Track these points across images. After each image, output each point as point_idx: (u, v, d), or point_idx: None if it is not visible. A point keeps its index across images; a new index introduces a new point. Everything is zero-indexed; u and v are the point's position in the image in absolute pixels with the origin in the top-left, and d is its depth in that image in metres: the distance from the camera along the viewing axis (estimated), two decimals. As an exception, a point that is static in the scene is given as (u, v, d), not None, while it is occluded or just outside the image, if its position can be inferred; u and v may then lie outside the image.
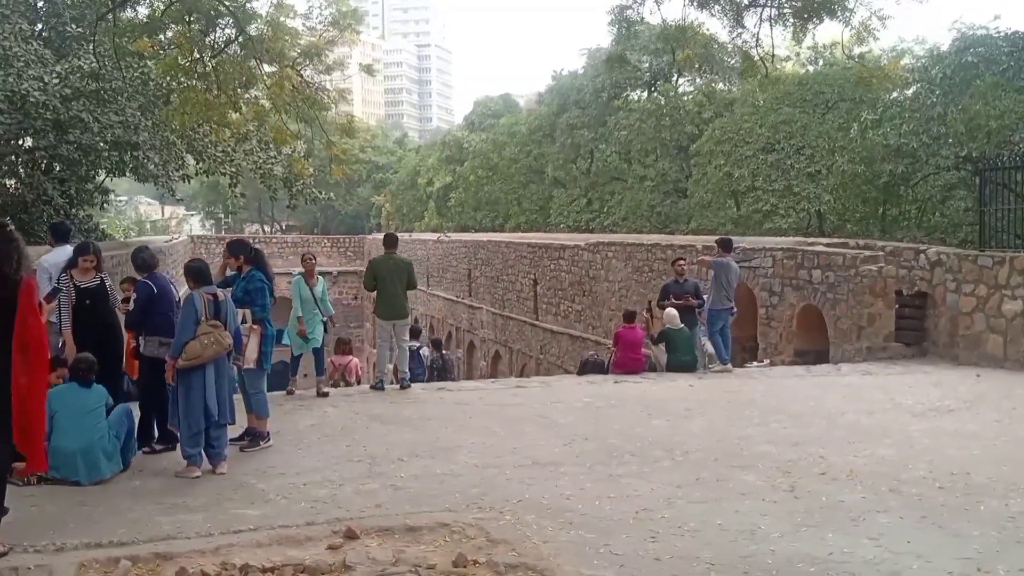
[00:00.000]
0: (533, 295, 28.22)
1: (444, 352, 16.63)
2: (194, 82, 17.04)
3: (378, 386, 11.68)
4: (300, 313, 11.06)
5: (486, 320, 32.65)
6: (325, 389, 11.30)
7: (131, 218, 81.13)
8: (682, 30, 12.77)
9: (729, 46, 14.68)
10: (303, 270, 11.44)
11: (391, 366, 12.17)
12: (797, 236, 20.74)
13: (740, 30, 12.68)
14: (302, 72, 18.35)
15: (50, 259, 9.75)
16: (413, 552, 5.72)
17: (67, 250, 9.81)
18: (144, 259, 8.61)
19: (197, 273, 7.84)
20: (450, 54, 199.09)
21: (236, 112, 19.08)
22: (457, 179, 43.36)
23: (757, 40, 12.56)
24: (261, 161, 25.41)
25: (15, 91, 19.25)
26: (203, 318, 7.55)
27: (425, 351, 15.18)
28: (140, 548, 5.77)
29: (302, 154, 26.17)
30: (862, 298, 14.06)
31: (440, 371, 15.90)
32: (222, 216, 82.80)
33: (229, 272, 9.14)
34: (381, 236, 46.00)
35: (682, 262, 13.96)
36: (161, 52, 19.89)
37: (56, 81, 20.08)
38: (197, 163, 24.30)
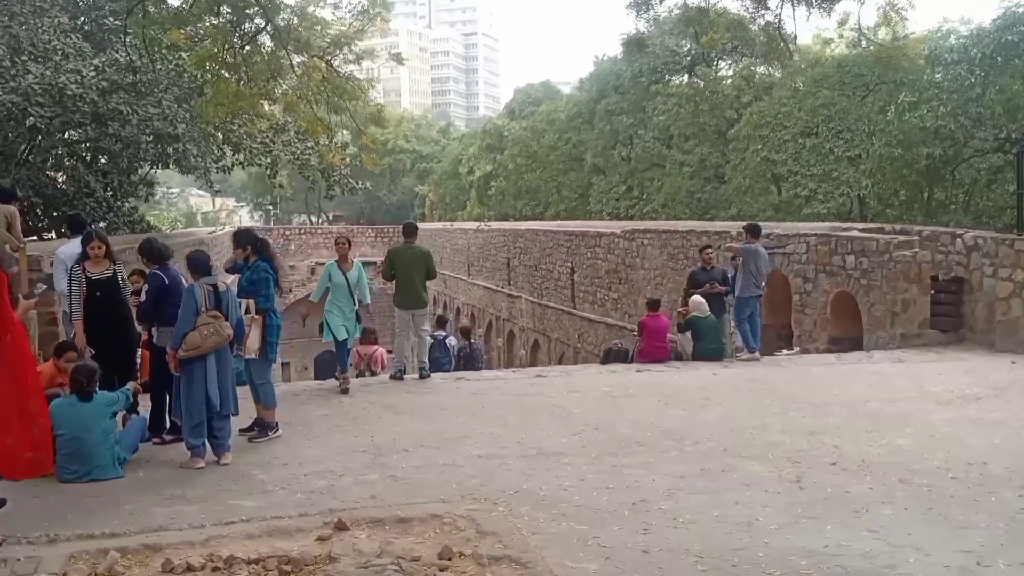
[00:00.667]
0: (570, 284, 28.04)
1: (472, 340, 16.52)
2: (225, 73, 17.17)
3: (397, 375, 11.65)
4: (316, 299, 11.29)
5: (525, 309, 32.53)
6: (347, 385, 10.84)
7: (181, 210, 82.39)
8: (703, 12, 12.53)
9: (753, 28, 14.32)
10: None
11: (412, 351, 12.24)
12: (836, 222, 20.32)
13: (763, 11, 12.43)
14: (331, 62, 18.32)
15: (66, 251, 9.86)
16: (401, 544, 5.66)
17: None
18: (153, 250, 8.63)
19: (197, 264, 7.84)
20: (497, 43, 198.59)
21: (267, 103, 19.18)
22: (497, 167, 43.22)
23: (779, 21, 12.26)
24: (299, 152, 25.58)
25: (52, 84, 19.56)
26: (203, 309, 7.55)
27: (452, 340, 15.11)
28: (131, 540, 5.79)
29: (339, 144, 26.28)
30: (896, 284, 13.69)
31: (468, 359, 15.79)
32: (271, 208, 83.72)
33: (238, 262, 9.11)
34: (429, 226, 45.66)
35: (709, 249, 13.73)
36: (195, 44, 20.06)
37: (93, 74, 20.36)
38: (234, 154, 24.50)
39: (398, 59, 19.57)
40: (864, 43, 26.02)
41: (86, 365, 7.62)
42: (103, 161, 24.17)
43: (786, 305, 16.61)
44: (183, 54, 21.41)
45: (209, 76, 19.01)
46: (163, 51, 21.38)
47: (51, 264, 10.72)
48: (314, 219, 76.53)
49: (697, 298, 12.98)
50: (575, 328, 27.36)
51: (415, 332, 11.91)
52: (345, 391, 10.59)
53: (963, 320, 13.99)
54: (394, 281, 11.83)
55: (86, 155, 24.10)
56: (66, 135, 22.47)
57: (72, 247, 9.87)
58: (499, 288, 36.07)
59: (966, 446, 7.71)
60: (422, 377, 11.64)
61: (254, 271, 8.62)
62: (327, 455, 7.75)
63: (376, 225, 62.96)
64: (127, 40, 20.88)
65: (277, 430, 8.54)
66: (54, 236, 22.63)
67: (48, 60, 20.27)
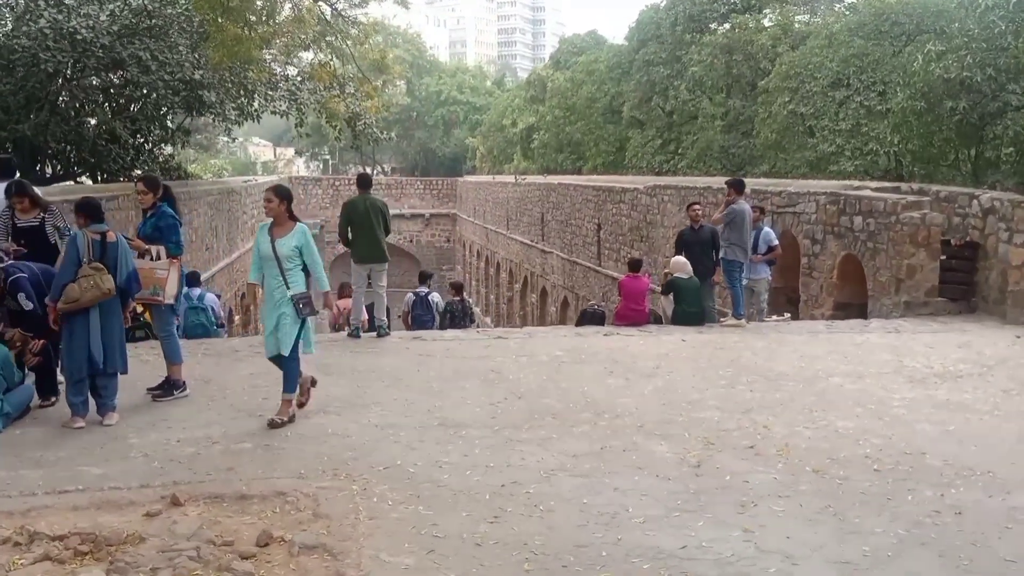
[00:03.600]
0: (597, 240, 27.26)
1: (464, 297, 15.87)
2: (220, 17, 16.67)
3: (354, 334, 11.16)
4: (253, 279, 7.68)
5: (556, 265, 31.86)
6: (292, 411, 7.26)
7: (239, 159, 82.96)
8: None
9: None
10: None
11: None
12: (867, 180, 19.17)
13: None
14: (335, 5, 17.69)
15: None
16: (225, 525, 5.20)
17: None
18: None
19: (90, 210, 7.35)
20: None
21: (265, 48, 18.62)
22: (539, 120, 42.20)
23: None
24: (325, 100, 25.03)
25: (63, 28, 19.34)
26: (85, 259, 7.07)
27: (435, 296, 14.52)
28: (-50, 507, 5.40)
29: (361, 93, 25.65)
30: (902, 248, 12.72)
31: (459, 316, 15.18)
32: (328, 158, 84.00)
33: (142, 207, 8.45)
34: (473, 179, 45.31)
35: (697, 207, 12.85)
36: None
37: (105, 19, 20.10)
38: (248, 103, 24.07)
39: (403, 3, 18.78)
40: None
41: None
42: (134, 108, 23.96)
43: (795, 268, 15.72)
44: (191, -3, 20.98)
45: (214, 17, 18.54)
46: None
47: None
48: (368, 170, 76.33)
49: (679, 258, 12.20)
50: (600, 286, 26.62)
51: (374, 288, 11.39)
52: (276, 424, 7.04)
53: (976, 289, 13.00)
54: (350, 234, 11.22)
55: (116, 101, 23.85)
56: (91, 81, 22.31)
57: None
58: (533, 243, 35.43)
59: (913, 431, 6.94)
60: (380, 336, 11.13)
61: (160, 217, 8.09)
62: (219, 419, 7.28)
63: (424, 178, 62.56)
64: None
65: (184, 389, 8.08)
66: (88, 180, 22.77)
67: (62, 4, 20.04)
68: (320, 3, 17.34)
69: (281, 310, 7.25)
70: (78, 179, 23.32)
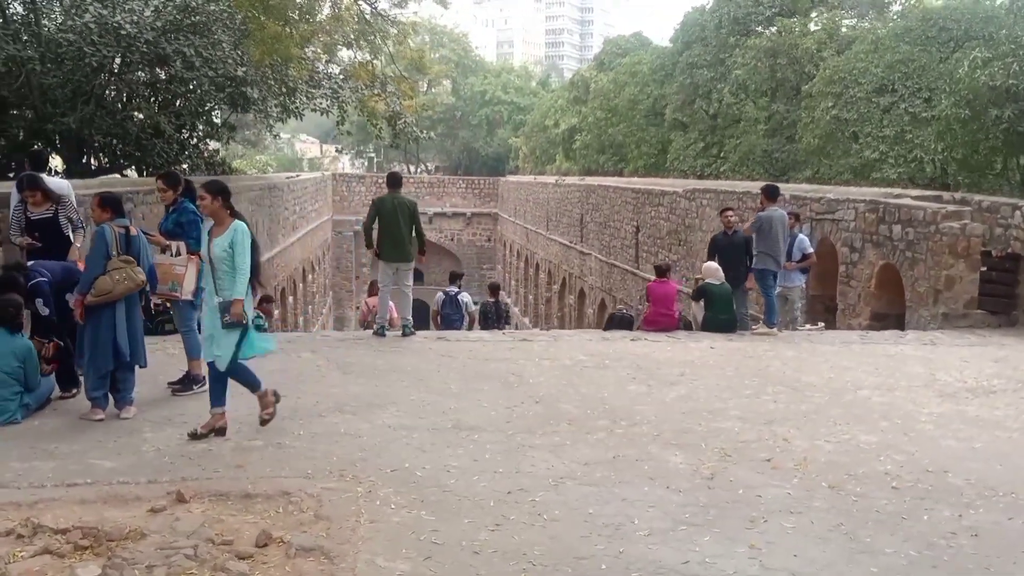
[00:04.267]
0: (635, 243, 27.06)
1: (500, 298, 15.82)
2: (261, 15, 16.81)
3: (380, 332, 11.16)
4: (201, 281, 7.41)
5: (595, 267, 31.69)
6: (213, 427, 6.75)
7: (287, 155, 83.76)
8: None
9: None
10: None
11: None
12: (910, 188, 18.82)
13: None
14: (375, 5, 17.72)
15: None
16: (228, 524, 5.18)
17: None
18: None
19: (114, 204, 7.40)
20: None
21: (304, 47, 18.72)
22: (581, 121, 42.01)
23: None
24: (365, 98, 25.13)
25: (108, 23, 19.61)
26: (114, 252, 7.13)
27: (465, 296, 14.48)
28: (-43, 497, 5.44)
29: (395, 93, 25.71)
30: (941, 258, 12.43)
31: (493, 318, 15.15)
32: (372, 155, 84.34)
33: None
34: (515, 179, 45.18)
35: (730, 212, 12.66)
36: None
37: (149, 14, 20.36)
38: (290, 100, 24.25)
39: (442, 2, 18.75)
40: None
41: (12, 300, 7.32)
42: (179, 104, 24.22)
43: (833, 276, 15.44)
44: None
45: (255, 14, 18.67)
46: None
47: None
48: (412, 168, 76.55)
49: (711, 264, 12.03)
50: (637, 289, 26.39)
51: (400, 287, 11.37)
52: (196, 435, 6.62)
53: (1016, 302, 12.66)
54: (376, 232, 11.21)
55: (162, 96, 24.09)
56: (136, 75, 22.58)
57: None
58: (572, 244, 35.28)
59: (938, 448, 6.74)
60: (404, 335, 11.11)
61: (181, 213, 8.15)
62: (234, 415, 7.20)
63: (467, 177, 62.54)
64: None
65: (203, 384, 8.09)
66: (133, 173, 23.05)
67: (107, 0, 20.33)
68: (360, 2, 17.36)
69: (216, 318, 6.69)
70: (123, 172, 23.68)
